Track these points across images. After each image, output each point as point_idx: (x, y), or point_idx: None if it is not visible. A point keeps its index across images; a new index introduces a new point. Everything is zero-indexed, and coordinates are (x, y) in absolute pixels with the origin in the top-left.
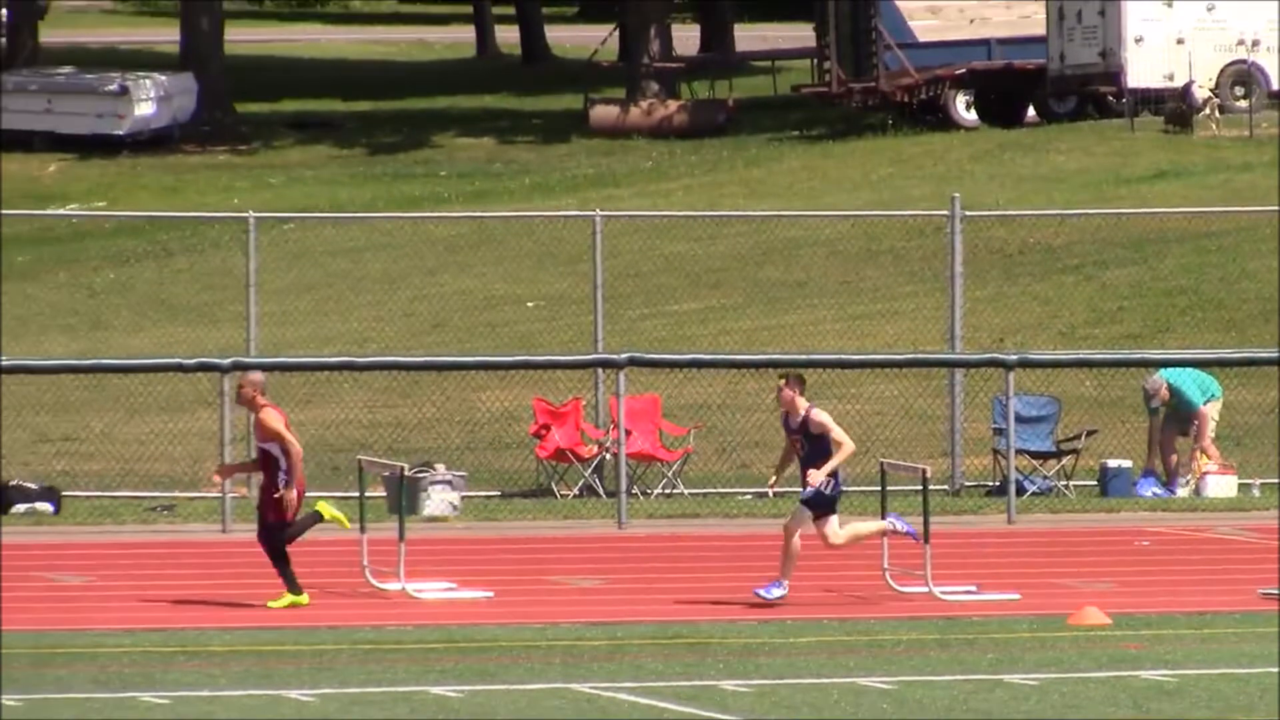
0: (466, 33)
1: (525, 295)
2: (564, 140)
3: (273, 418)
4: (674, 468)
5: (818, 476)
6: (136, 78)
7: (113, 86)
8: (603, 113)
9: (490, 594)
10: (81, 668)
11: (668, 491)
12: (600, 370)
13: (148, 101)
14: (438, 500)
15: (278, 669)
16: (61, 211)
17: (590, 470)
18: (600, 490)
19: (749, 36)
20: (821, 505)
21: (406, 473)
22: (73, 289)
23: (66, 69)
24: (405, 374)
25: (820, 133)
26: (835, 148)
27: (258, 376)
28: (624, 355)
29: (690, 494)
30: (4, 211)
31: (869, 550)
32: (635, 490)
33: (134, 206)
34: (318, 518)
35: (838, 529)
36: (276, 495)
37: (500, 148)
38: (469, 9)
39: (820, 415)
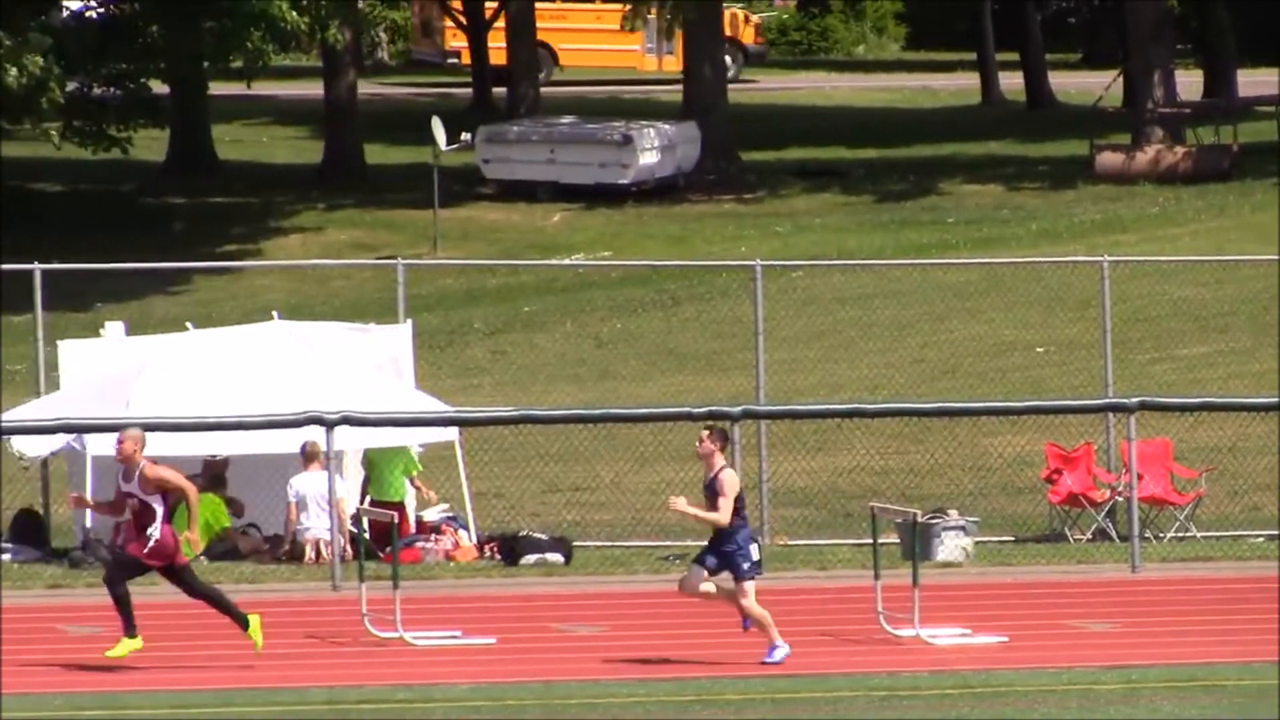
0: (971, 79)
1: (1034, 341)
2: (1070, 186)
3: (161, 470)
4: (1186, 511)
5: (678, 503)
6: (640, 127)
7: (616, 136)
8: (1108, 159)
9: (1004, 639)
10: (595, 718)
11: (1180, 535)
12: (1111, 415)
13: (651, 151)
14: (951, 546)
15: (792, 716)
16: (567, 261)
17: (1103, 514)
18: (1113, 534)
19: (1252, 81)
20: (712, 564)
21: (919, 519)
22: (580, 338)
23: (569, 119)
24: (916, 420)
25: None
26: None
27: (137, 432)
28: (1134, 399)
29: (1203, 537)
30: (511, 261)
31: None
32: (1148, 534)
33: (640, 255)
34: (242, 622)
35: (753, 599)
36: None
37: (1007, 194)
38: (974, 56)
39: (725, 480)
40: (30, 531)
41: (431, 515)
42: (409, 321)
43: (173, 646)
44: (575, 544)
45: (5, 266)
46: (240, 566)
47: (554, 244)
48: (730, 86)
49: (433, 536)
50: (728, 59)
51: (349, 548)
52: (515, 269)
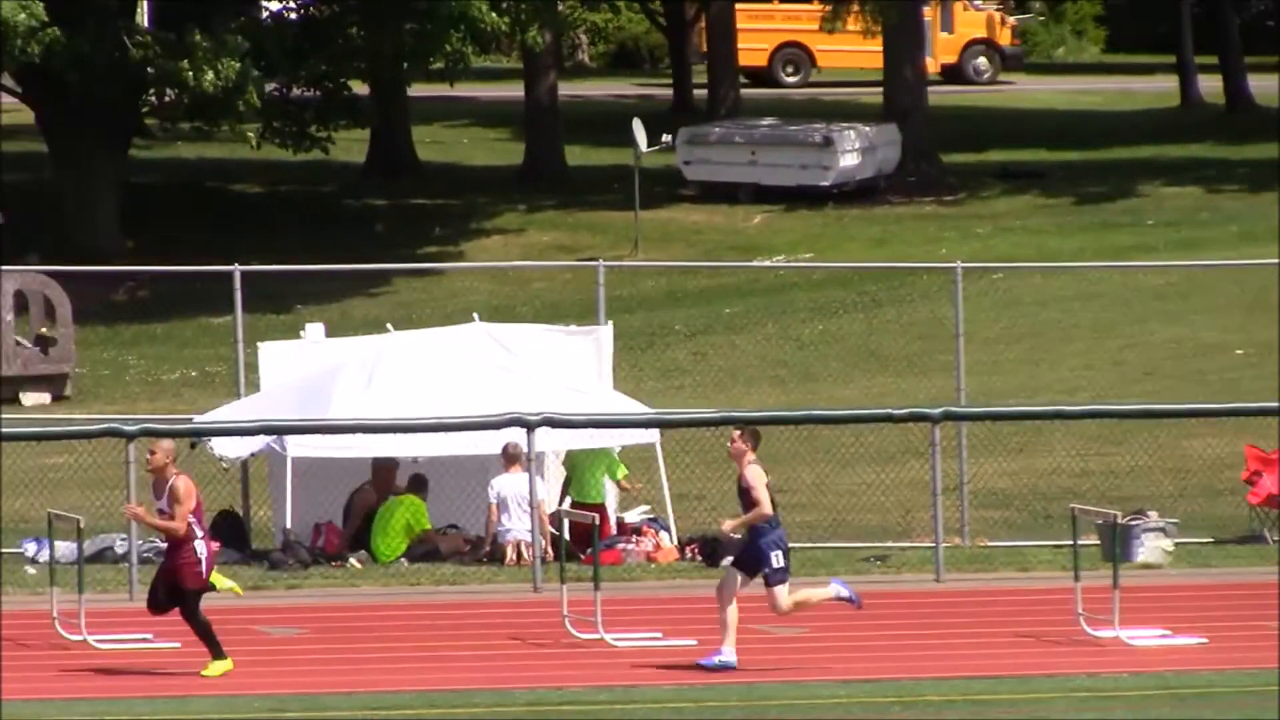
0: (1169, 82)
1: (1234, 343)
2: (1269, 188)
3: (185, 487)
4: None
5: (727, 526)
6: (840, 129)
7: (817, 138)
8: None
9: (1204, 640)
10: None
11: None
12: None
13: (852, 153)
14: (1151, 547)
15: (993, 717)
16: (768, 263)
17: None
18: None
19: None
20: (748, 565)
21: (1119, 520)
22: (781, 340)
23: (769, 120)
24: (1116, 422)
25: None
26: None
27: (169, 444)
28: None
29: None
30: (712, 263)
31: None
32: None
33: (840, 257)
34: (208, 588)
35: (785, 595)
36: (196, 567)
37: (1206, 196)
38: (1172, 59)
39: (750, 475)
40: (231, 533)
41: (632, 517)
42: (609, 323)
43: (371, 646)
44: None
45: (206, 268)
46: (441, 568)
47: (754, 245)
48: (985, 89)
49: (634, 538)
50: (984, 60)
51: (550, 549)
52: (716, 270)
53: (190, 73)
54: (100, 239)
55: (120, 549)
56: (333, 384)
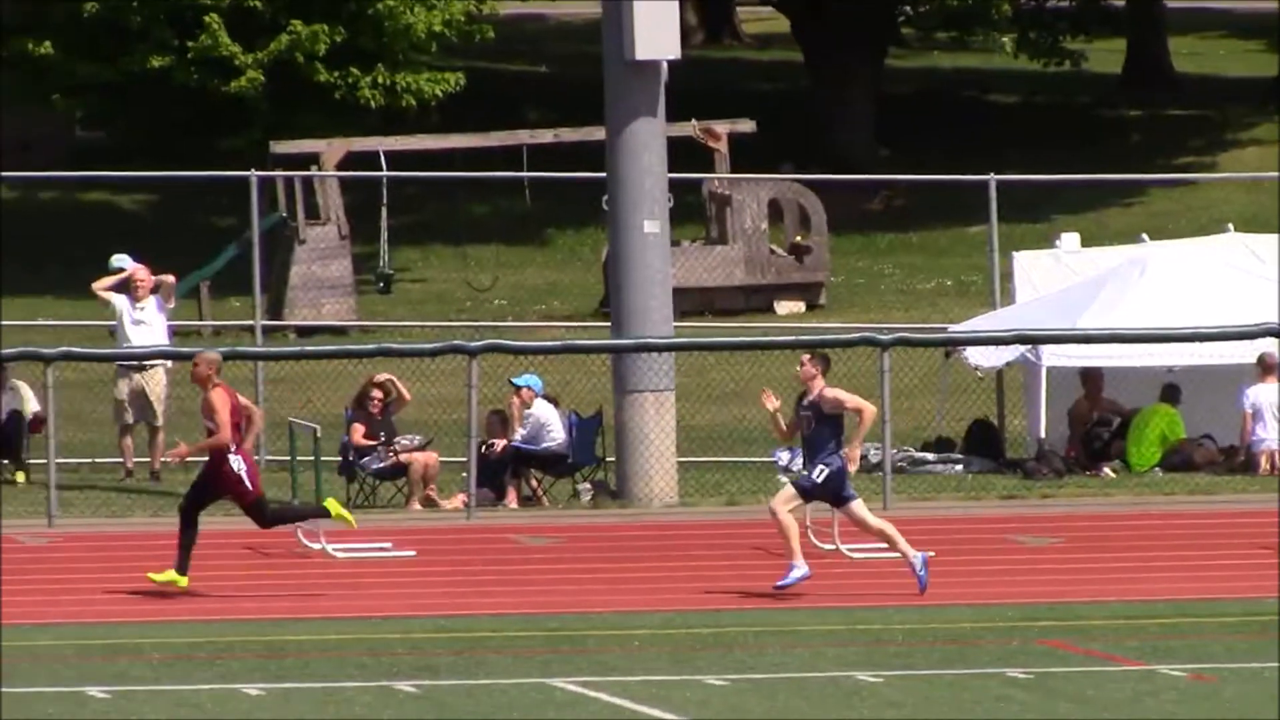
0: None
1: None
2: None
3: (218, 398)
4: None
5: (855, 454)
6: None
7: None
8: None
9: None
10: None
11: None
12: None
13: None
14: None
15: None
16: None
17: None
18: None
19: None
20: (820, 493)
21: None
22: None
23: None
24: None
25: None
26: None
27: (213, 355)
28: None
29: None
30: None
31: None
32: None
33: None
34: (323, 513)
35: (866, 511)
36: (241, 485)
37: None
38: None
39: (834, 392)
40: (985, 442)
41: None
42: None
43: (1123, 556)
44: None
45: (961, 177)
46: (1194, 478)
47: None
48: None
49: None
50: None
51: None
52: None
53: None
54: (855, 148)
55: (875, 458)
56: (1087, 294)
